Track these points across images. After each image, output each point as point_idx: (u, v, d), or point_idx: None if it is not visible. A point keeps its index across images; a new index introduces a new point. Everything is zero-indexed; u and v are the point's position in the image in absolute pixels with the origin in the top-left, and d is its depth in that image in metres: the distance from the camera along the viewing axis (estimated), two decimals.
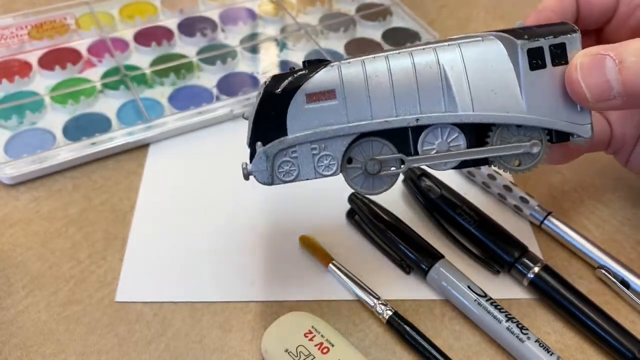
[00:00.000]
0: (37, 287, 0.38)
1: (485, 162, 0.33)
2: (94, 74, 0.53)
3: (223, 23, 0.59)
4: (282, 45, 0.57)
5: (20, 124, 0.48)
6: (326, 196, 0.43)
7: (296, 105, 0.31)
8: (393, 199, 0.44)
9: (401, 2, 0.62)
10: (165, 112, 0.50)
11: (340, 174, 0.32)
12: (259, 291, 0.39)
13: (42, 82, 0.52)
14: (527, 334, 0.35)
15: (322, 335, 0.35)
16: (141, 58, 0.55)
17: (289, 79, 0.31)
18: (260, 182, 0.32)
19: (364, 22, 0.60)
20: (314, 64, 0.32)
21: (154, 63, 0.54)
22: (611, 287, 0.39)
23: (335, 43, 0.58)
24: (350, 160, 0.32)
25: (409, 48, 0.31)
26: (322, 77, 0.31)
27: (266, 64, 0.55)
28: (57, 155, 0.45)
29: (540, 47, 0.31)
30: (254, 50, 0.56)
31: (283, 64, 0.55)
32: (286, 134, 0.31)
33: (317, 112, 0.31)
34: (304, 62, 0.32)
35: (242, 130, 0.51)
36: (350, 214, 0.42)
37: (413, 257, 0.39)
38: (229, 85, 0.52)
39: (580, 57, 0.30)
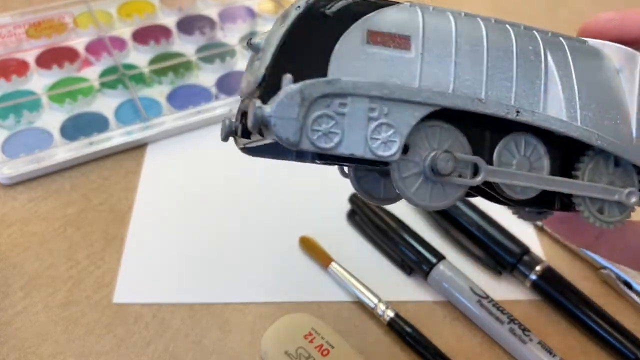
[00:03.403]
0: (35, 288, 0.38)
1: (566, 202, 0.25)
2: (92, 73, 0.53)
3: (222, 21, 0.58)
4: None
5: (18, 124, 0.48)
6: (327, 196, 0.43)
7: (350, 41, 0.22)
8: None
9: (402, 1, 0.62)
10: (163, 111, 0.49)
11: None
12: (259, 292, 0.38)
13: (39, 81, 0.52)
14: (529, 335, 0.35)
15: (322, 337, 0.34)
16: (139, 57, 0.54)
17: (345, 1, 0.22)
18: (278, 138, 0.20)
19: None
20: (383, 2, 0.23)
21: (153, 62, 0.54)
22: (614, 288, 0.39)
23: None
24: (405, 149, 0.22)
25: (505, 20, 0.25)
26: (394, 16, 0.22)
27: None
28: (54, 155, 0.45)
29: None
30: None
31: None
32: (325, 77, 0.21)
33: (379, 60, 0.22)
34: None
35: None
36: (351, 215, 0.42)
37: (414, 258, 0.39)
38: (228, 84, 0.52)
39: None
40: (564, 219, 0.28)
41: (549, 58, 0.24)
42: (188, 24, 0.57)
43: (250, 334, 0.36)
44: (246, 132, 0.24)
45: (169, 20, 0.58)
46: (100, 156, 0.46)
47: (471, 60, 0.23)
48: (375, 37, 0.22)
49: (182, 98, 0.51)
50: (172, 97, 0.51)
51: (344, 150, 0.21)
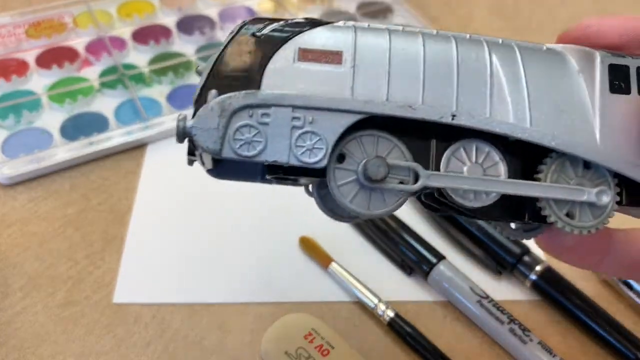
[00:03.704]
0: (35, 288, 0.38)
1: (530, 206, 0.24)
2: (92, 73, 0.53)
3: (222, 21, 0.58)
4: None
5: (18, 124, 0.48)
6: None
7: (282, 59, 0.23)
8: None
9: (402, 0, 0.62)
10: (163, 111, 0.49)
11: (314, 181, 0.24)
12: (259, 292, 0.38)
13: (39, 81, 0.52)
14: (529, 335, 0.35)
15: (322, 337, 0.34)
16: (139, 57, 0.54)
17: (278, 24, 0.23)
18: (200, 147, 0.22)
19: (365, 19, 0.60)
20: (318, 22, 0.24)
21: (152, 62, 0.54)
22: (614, 288, 0.39)
23: None
24: (341, 158, 0.23)
25: (449, 32, 0.24)
26: (326, 34, 0.23)
27: None
28: (54, 155, 0.45)
29: (626, 66, 0.24)
30: None
31: None
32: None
33: (311, 75, 0.23)
34: (305, 18, 0.24)
35: None
36: None
37: (414, 258, 0.39)
38: None
39: None
40: (570, 249, 0.26)
41: (495, 63, 0.24)
42: (188, 24, 0.57)
43: (250, 334, 0.36)
44: (192, 150, 0.25)
45: (169, 20, 0.58)
46: (100, 156, 0.46)
47: (407, 71, 0.23)
48: (307, 54, 0.23)
49: (182, 98, 0.51)
50: (172, 97, 0.51)
51: (267, 158, 0.22)
